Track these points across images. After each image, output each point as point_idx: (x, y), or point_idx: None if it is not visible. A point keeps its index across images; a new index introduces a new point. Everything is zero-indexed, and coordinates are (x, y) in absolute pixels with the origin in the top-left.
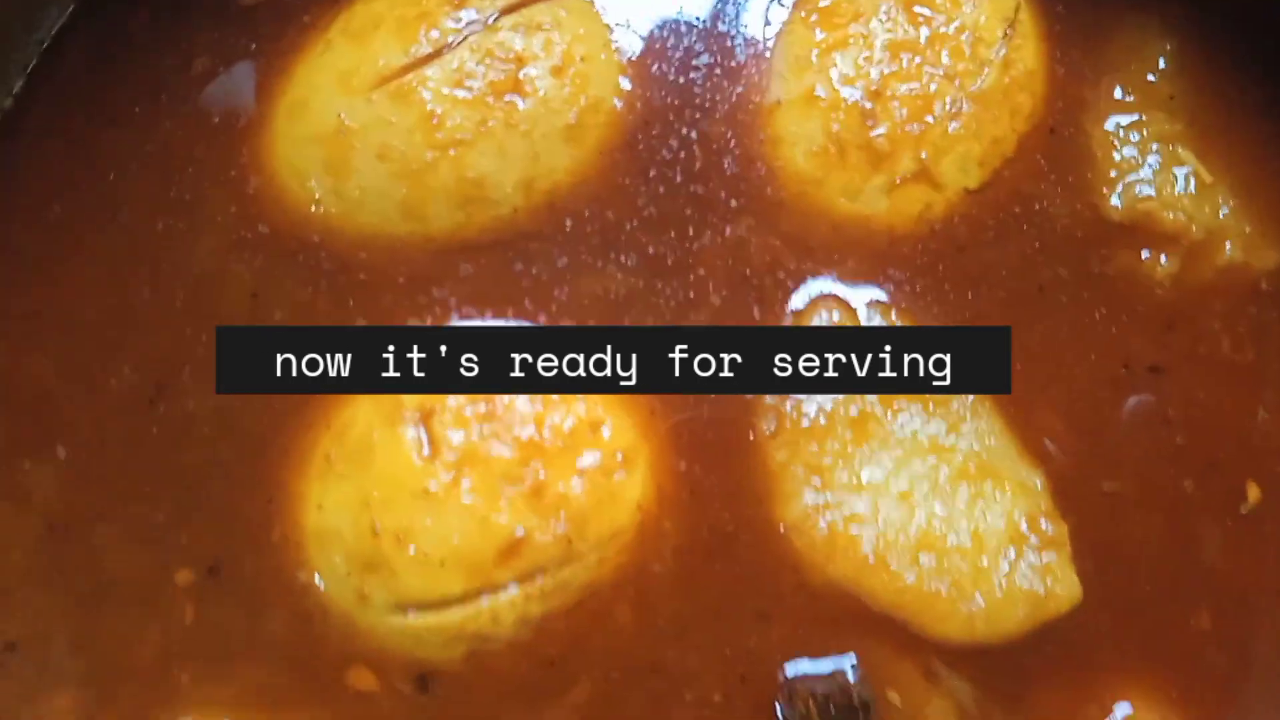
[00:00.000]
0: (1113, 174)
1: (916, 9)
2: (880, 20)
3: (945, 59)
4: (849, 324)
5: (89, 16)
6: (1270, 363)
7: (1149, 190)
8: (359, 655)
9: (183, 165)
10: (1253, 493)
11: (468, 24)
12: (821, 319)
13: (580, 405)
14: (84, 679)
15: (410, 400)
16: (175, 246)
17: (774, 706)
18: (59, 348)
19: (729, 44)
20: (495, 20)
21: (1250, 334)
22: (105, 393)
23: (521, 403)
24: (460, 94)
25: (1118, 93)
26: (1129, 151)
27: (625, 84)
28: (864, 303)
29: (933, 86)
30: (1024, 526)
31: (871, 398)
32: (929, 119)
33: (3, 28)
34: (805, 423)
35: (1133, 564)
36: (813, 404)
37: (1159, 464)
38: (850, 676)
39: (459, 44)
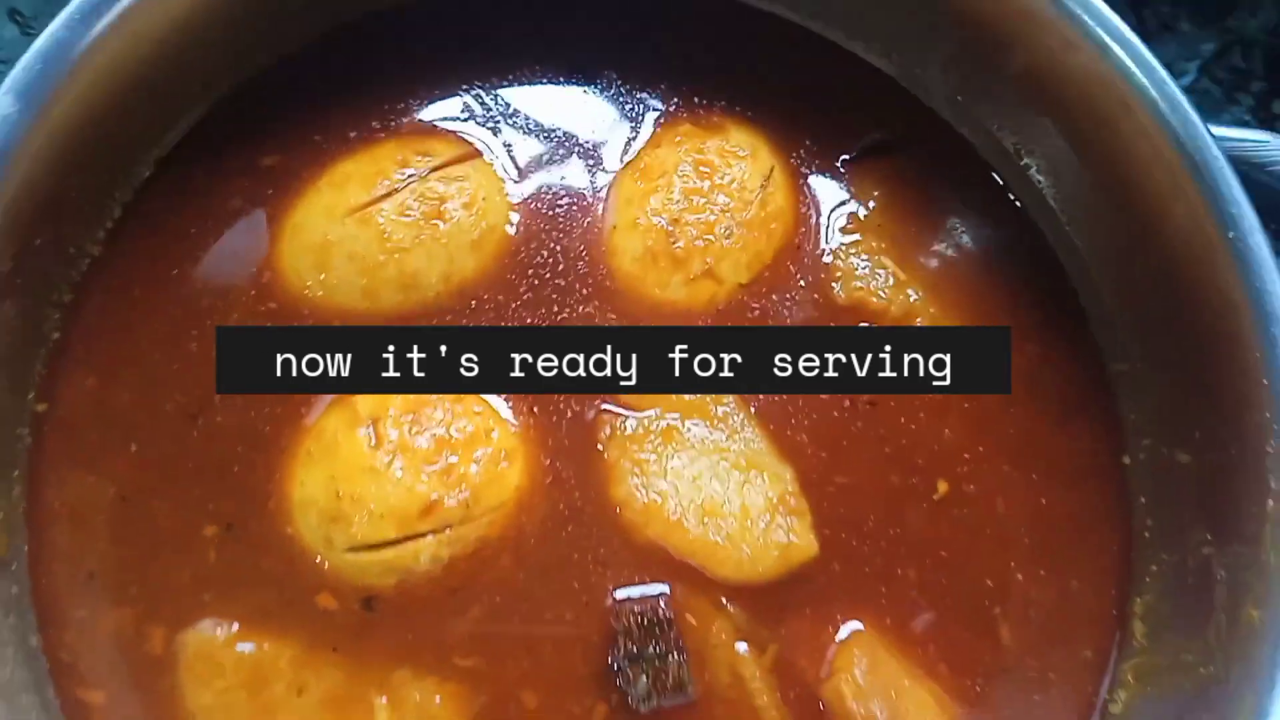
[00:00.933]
0: (838, 274)
1: (702, 169)
2: (679, 176)
3: (721, 199)
4: None
5: (166, 173)
6: (951, 399)
7: (862, 284)
8: (324, 584)
9: (221, 264)
10: (942, 487)
11: (409, 176)
12: None
13: (477, 419)
14: (139, 598)
15: (363, 410)
16: (215, 316)
17: (608, 621)
18: (135, 381)
19: (581, 191)
20: (427, 174)
21: (938, 383)
22: (163, 411)
23: (437, 414)
24: (403, 219)
25: (843, 222)
26: (849, 259)
27: (514, 216)
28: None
29: (712, 217)
30: (776, 501)
31: (673, 416)
32: (710, 238)
33: (107, 181)
34: (628, 431)
35: (857, 532)
36: (632, 420)
37: (875, 466)
38: (660, 602)
39: (403, 188)
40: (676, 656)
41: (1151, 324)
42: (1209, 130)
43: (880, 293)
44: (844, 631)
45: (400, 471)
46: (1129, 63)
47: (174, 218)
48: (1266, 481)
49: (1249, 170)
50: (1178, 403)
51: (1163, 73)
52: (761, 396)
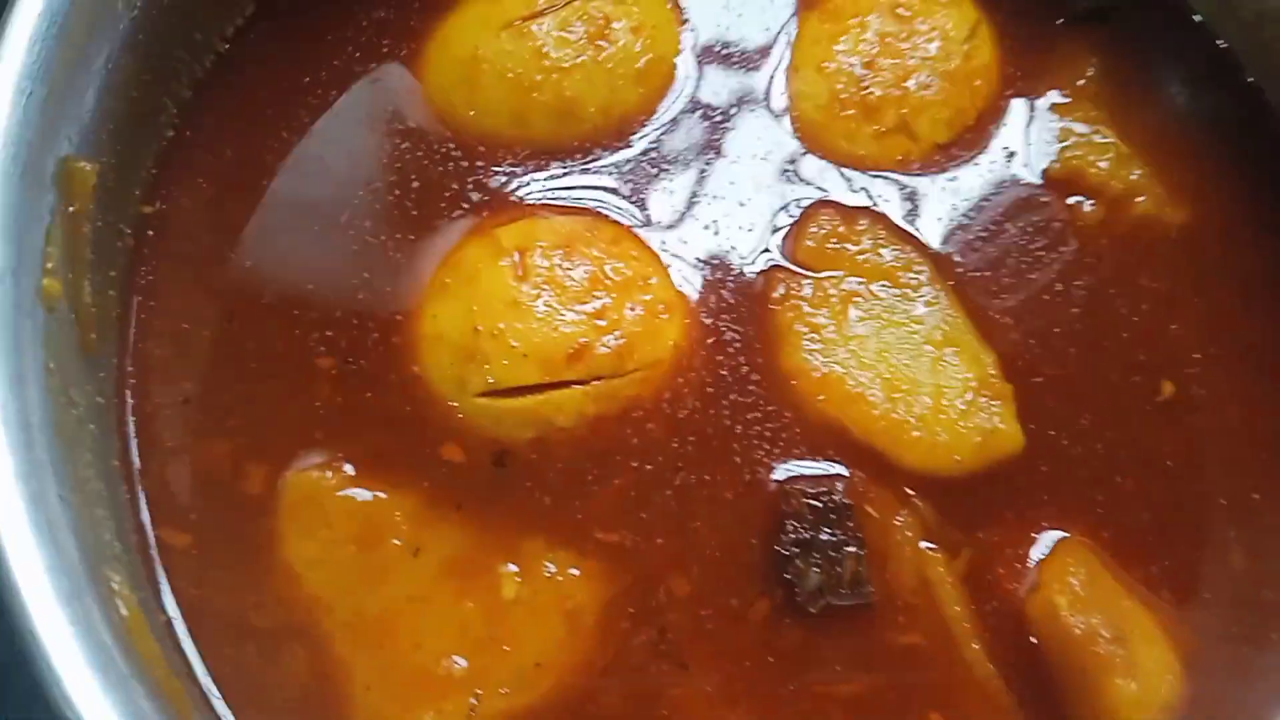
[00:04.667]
0: (1050, 141)
1: (900, 11)
2: (874, 18)
3: (921, 45)
4: (841, 227)
5: None
6: (1179, 291)
7: (1079, 154)
8: (452, 434)
9: (359, 75)
10: (1167, 389)
11: None
12: (821, 225)
13: (635, 264)
14: (239, 431)
15: (507, 242)
16: (356, 131)
17: (774, 503)
18: (254, 190)
19: (761, 27)
20: None
21: (1163, 269)
22: (282, 226)
23: (592, 252)
24: (564, 36)
25: (1057, 89)
26: (1064, 124)
27: (684, 51)
28: (853, 205)
29: (911, 64)
30: (975, 384)
31: (856, 280)
32: (909, 85)
33: None
34: (804, 292)
35: (1068, 431)
36: (809, 282)
37: (1090, 358)
38: (837, 485)
39: (563, 7)
40: (854, 549)
41: None
42: None
43: (1099, 164)
44: (1051, 541)
45: (548, 307)
46: None
47: (311, 21)
48: None
49: None
50: None
51: None
52: (961, 270)
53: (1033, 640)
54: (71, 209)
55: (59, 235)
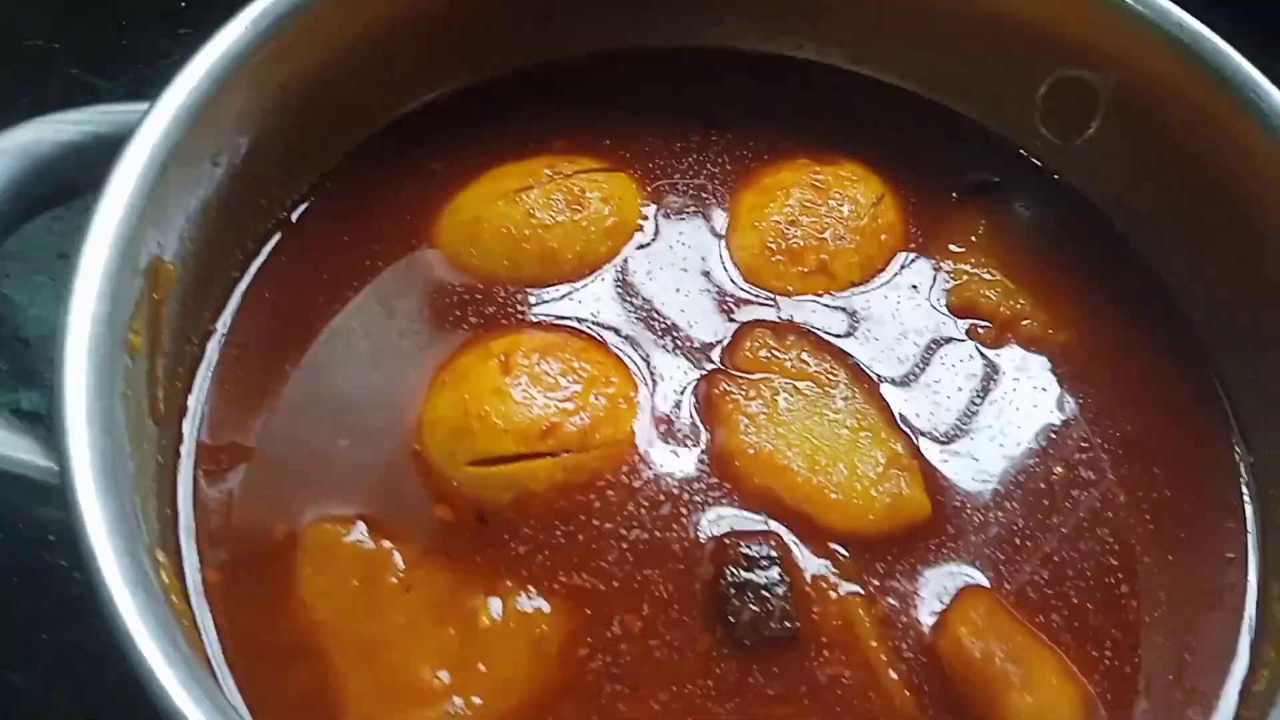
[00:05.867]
0: (948, 280)
1: (817, 186)
2: (796, 189)
3: (836, 209)
4: (772, 341)
5: (350, 166)
6: (1065, 394)
7: (972, 289)
8: (444, 497)
9: (387, 237)
10: (1058, 470)
11: (555, 175)
12: (755, 339)
13: (600, 366)
14: (269, 498)
15: (496, 348)
16: (385, 278)
17: (716, 557)
18: (303, 322)
19: (705, 206)
20: (572, 175)
21: (1050, 376)
22: (320, 352)
23: (565, 355)
24: (547, 202)
25: (951, 243)
26: (959, 267)
27: (647, 211)
28: (783, 323)
29: (828, 221)
30: (885, 461)
31: (785, 381)
32: (826, 236)
33: (302, 154)
34: (742, 390)
35: (971, 502)
36: (745, 382)
37: (989, 447)
38: (770, 540)
39: (548, 183)
40: (782, 590)
41: (1263, 332)
42: None
43: (989, 295)
44: (956, 588)
45: (526, 394)
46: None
47: (350, 200)
48: None
49: None
50: None
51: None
52: (874, 375)
53: (941, 669)
54: (155, 296)
55: (145, 311)
